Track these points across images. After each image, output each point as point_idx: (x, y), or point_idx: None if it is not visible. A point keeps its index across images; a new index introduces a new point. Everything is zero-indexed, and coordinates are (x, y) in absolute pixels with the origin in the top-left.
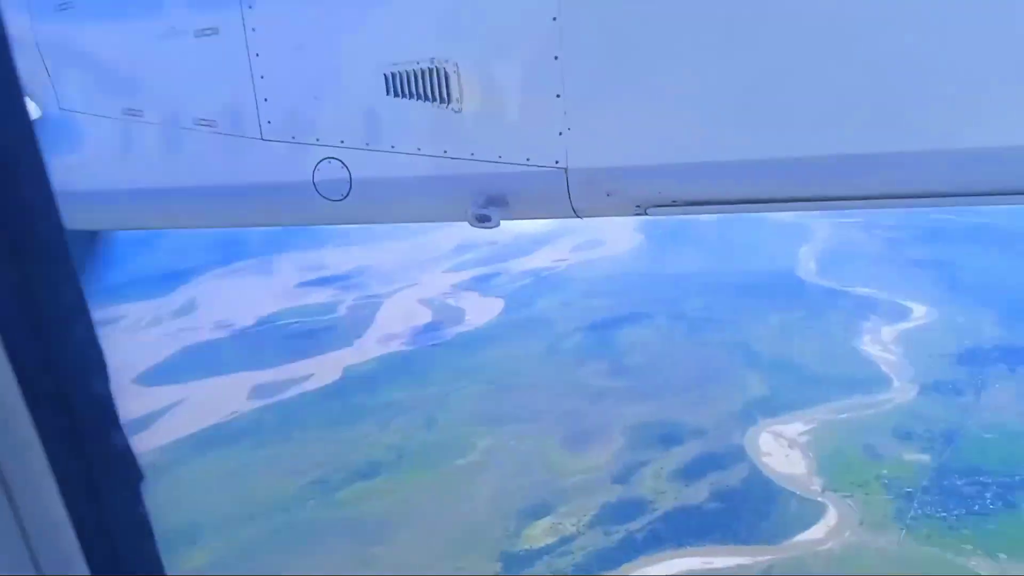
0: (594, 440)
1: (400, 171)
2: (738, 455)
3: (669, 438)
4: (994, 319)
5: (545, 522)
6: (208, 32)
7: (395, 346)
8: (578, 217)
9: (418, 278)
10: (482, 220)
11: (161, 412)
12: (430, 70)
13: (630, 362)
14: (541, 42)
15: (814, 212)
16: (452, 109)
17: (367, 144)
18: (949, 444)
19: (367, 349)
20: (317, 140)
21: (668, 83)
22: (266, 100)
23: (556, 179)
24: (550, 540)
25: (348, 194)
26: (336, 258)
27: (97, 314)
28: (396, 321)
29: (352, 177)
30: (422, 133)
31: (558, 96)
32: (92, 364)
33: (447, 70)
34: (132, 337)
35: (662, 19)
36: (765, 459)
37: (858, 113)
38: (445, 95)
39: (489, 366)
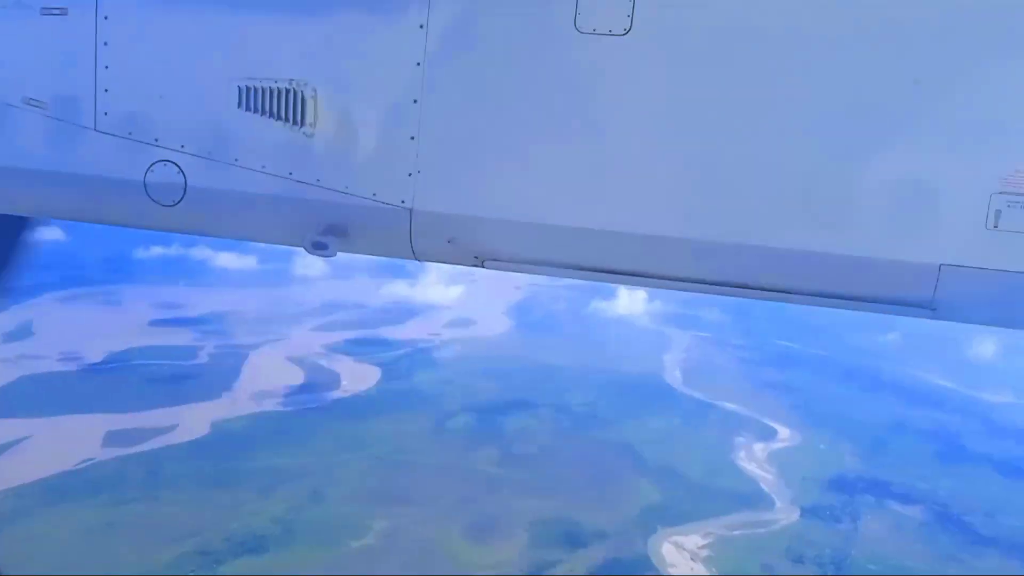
0: (496, 533)
1: (240, 185)
2: (644, 565)
3: (573, 538)
4: (852, 449)
5: None
6: (56, 11)
7: (268, 405)
8: (416, 260)
9: (284, 332)
10: (319, 248)
11: (1, 449)
12: (287, 90)
13: (521, 451)
14: (404, 84)
15: (670, 321)
16: (304, 133)
17: (209, 153)
18: (840, 571)
19: (238, 404)
20: (155, 140)
21: (522, 142)
22: (106, 91)
23: (400, 218)
24: None
25: (180, 200)
26: (191, 298)
27: None
28: (266, 377)
29: (188, 184)
30: (269, 151)
31: (412, 138)
32: None
33: (305, 94)
34: None
35: (525, 82)
36: (672, 571)
37: (707, 200)
38: (299, 118)
39: (373, 439)
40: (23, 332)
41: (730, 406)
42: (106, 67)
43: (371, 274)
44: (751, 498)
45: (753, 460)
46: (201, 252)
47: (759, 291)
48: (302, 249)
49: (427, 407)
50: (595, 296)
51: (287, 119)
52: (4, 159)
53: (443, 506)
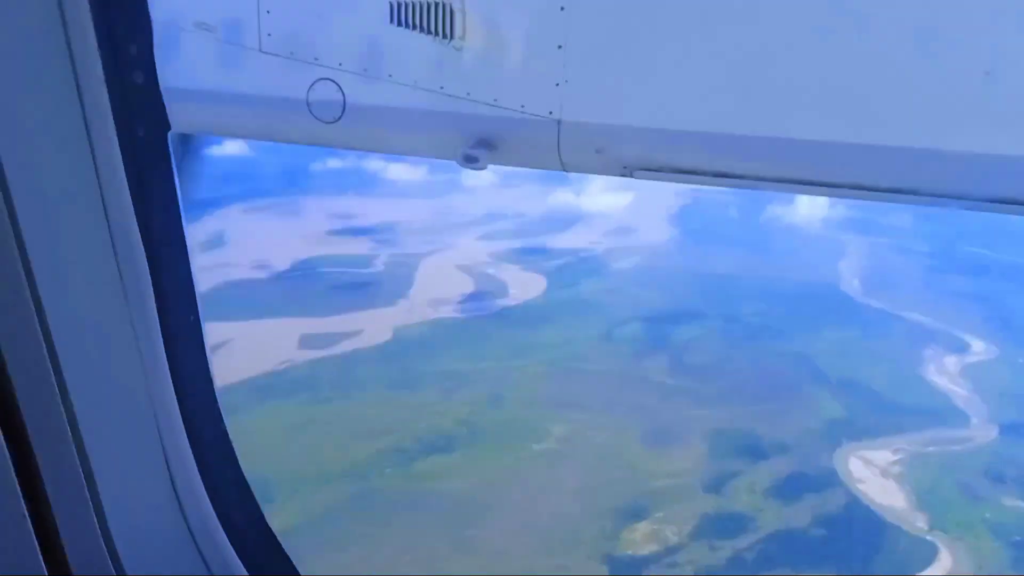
0: (674, 441)
1: (394, 101)
2: (831, 479)
3: (753, 450)
4: None
5: (644, 526)
6: None
7: (444, 312)
8: (564, 171)
9: (451, 242)
10: (470, 161)
11: (212, 349)
12: (436, 4)
13: (692, 361)
14: None
15: (848, 227)
16: (454, 46)
17: (365, 70)
18: None
19: (416, 311)
20: (315, 59)
21: (669, 49)
22: (268, 12)
23: (548, 129)
24: (654, 547)
25: (341, 117)
26: (362, 208)
27: None
28: (438, 285)
29: (346, 101)
30: (421, 66)
31: (559, 47)
32: None
33: (453, 6)
34: None
35: None
36: (860, 487)
37: (854, 103)
38: (448, 31)
39: (545, 346)
40: (218, 241)
41: (915, 317)
42: None
43: (538, 183)
44: (943, 414)
45: (944, 374)
46: (374, 164)
47: (924, 196)
48: None
49: (595, 315)
50: (769, 202)
51: (437, 33)
52: (179, 80)
53: (618, 413)
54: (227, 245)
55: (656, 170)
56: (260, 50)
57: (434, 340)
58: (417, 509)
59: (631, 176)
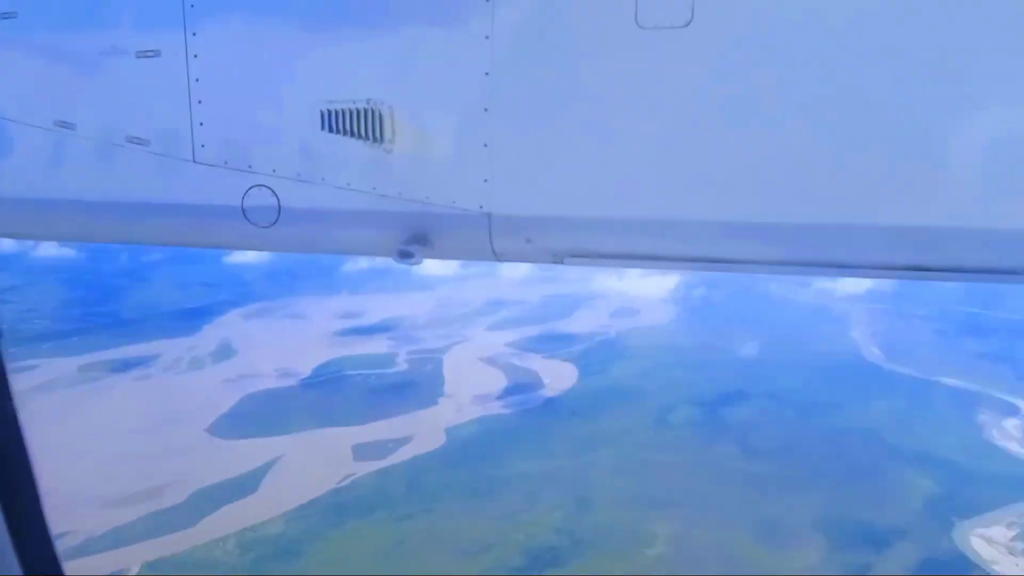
0: (786, 535)
1: (329, 203)
2: (963, 563)
3: (872, 537)
4: None
5: None
6: (150, 54)
7: (489, 409)
8: (497, 261)
9: (464, 334)
10: (405, 257)
11: (262, 471)
12: (365, 111)
13: (760, 445)
14: (472, 94)
15: (836, 296)
16: (384, 149)
17: (298, 175)
18: None
19: (461, 410)
20: (249, 167)
21: (591, 140)
22: (201, 124)
23: (479, 223)
24: None
25: (276, 221)
26: (361, 306)
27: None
28: (470, 381)
29: (281, 205)
30: (353, 169)
31: (485, 145)
32: None
33: (382, 112)
34: (179, 380)
35: (589, 80)
36: (996, 568)
37: (786, 183)
38: (378, 135)
39: (606, 437)
40: (228, 351)
41: (951, 382)
42: (199, 102)
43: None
44: None
45: (1011, 439)
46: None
47: (857, 269)
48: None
49: (640, 401)
50: (757, 277)
51: (367, 137)
52: (114, 194)
53: (713, 507)
54: (239, 354)
55: (585, 256)
56: (194, 161)
57: (491, 440)
58: None
59: (562, 263)
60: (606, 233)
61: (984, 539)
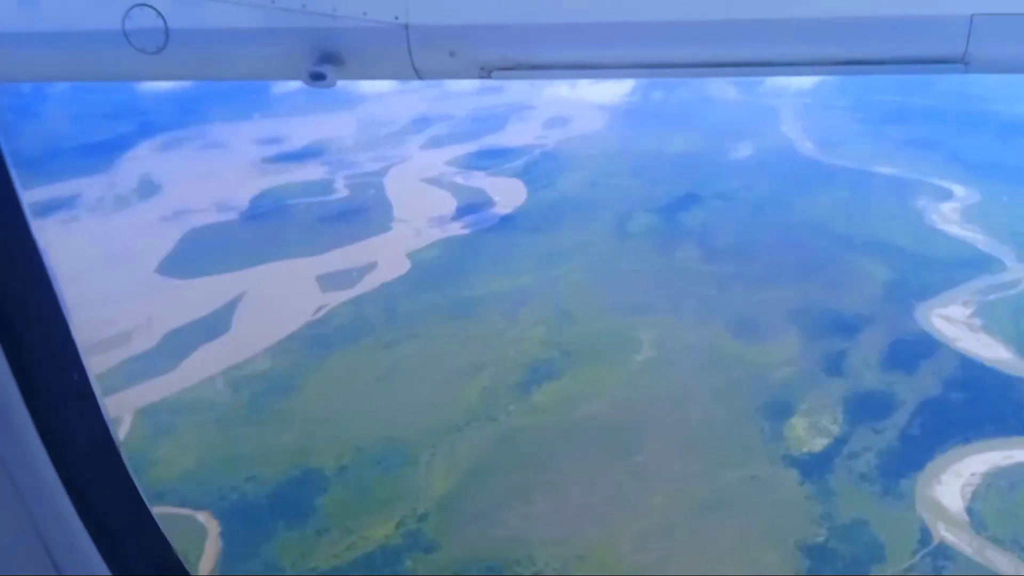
0: (762, 329)
1: (223, 21)
2: (929, 342)
3: (841, 325)
4: None
5: (799, 422)
6: None
7: (449, 230)
8: (420, 78)
9: (399, 154)
10: (316, 79)
11: (229, 309)
12: None
13: (719, 245)
14: None
15: (760, 92)
16: None
17: None
18: None
19: (421, 233)
20: None
21: None
22: None
23: (396, 36)
24: (824, 441)
25: (165, 46)
26: (279, 130)
27: (40, 192)
28: (419, 203)
29: (168, 27)
30: None
31: None
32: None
33: None
34: (110, 220)
35: None
36: (960, 345)
37: None
38: None
39: (569, 251)
40: (151, 187)
41: (885, 170)
42: None
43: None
44: (979, 261)
45: (951, 222)
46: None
47: (784, 66)
48: None
49: (595, 212)
50: (678, 80)
51: None
52: None
53: (688, 309)
54: (165, 189)
55: (515, 68)
56: None
57: (456, 261)
58: (572, 445)
59: (489, 77)
60: (537, 41)
61: (944, 318)
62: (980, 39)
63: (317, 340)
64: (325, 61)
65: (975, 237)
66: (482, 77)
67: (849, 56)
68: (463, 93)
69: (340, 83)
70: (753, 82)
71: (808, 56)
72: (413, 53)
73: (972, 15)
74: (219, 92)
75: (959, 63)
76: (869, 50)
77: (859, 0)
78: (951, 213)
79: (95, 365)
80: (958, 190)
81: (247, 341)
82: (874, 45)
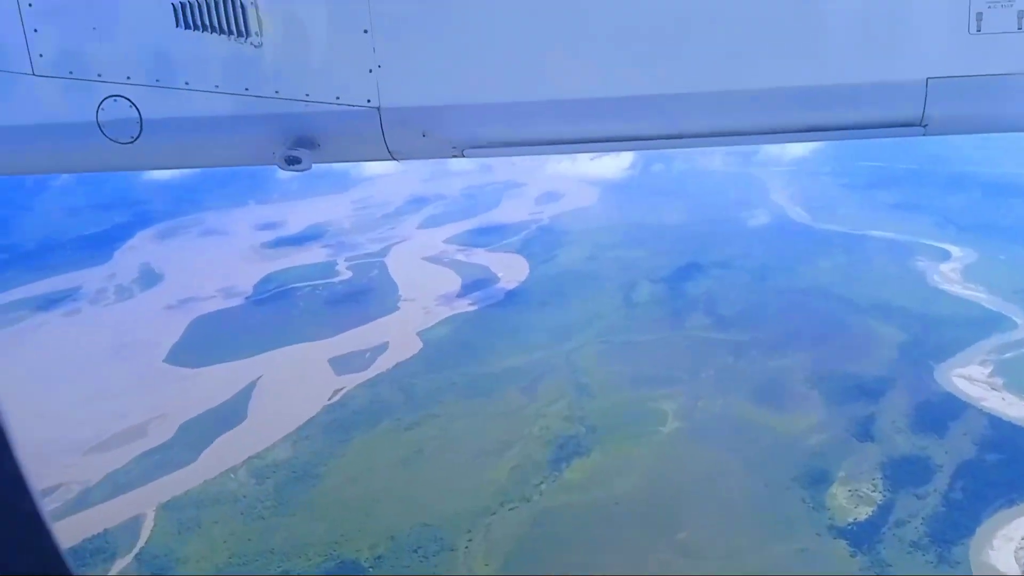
0: (785, 396)
1: (197, 110)
2: (954, 403)
3: (864, 389)
4: None
5: (839, 491)
6: None
7: (456, 308)
8: (394, 160)
9: (397, 234)
10: (291, 163)
11: (244, 396)
12: (223, 0)
13: (727, 313)
14: None
15: (743, 161)
16: (252, 44)
17: (157, 81)
18: None
19: (429, 312)
20: (99, 76)
21: (483, 20)
22: (36, 31)
23: (369, 119)
24: (868, 509)
25: (139, 136)
26: (276, 215)
27: (41, 286)
28: (423, 282)
29: (143, 117)
30: (219, 69)
31: (366, 31)
32: None
33: (243, 2)
34: (114, 311)
35: None
36: (985, 404)
37: (676, 53)
38: (243, 27)
39: (580, 324)
40: (153, 276)
41: (879, 234)
42: (30, 5)
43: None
44: (987, 320)
45: (953, 282)
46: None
47: (747, 136)
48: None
49: (599, 285)
50: (662, 152)
51: (229, 31)
52: None
53: (707, 378)
54: (166, 278)
55: (487, 147)
56: (33, 73)
57: (467, 338)
58: (612, 523)
59: (462, 156)
60: (507, 119)
61: (965, 378)
62: (937, 101)
63: (336, 425)
64: (300, 145)
65: (979, 296)
66: (455, 156)
67: (810, 124)
68: (455, 172)
69: (332, 167)
70: (747, 153)
71: (771, 124)
72: (386, 135)
73: (927, 78)
74: (213, 179)
75: (918, 126)
76: (829, 117)
77: (817, 69)
78: (951, 273)
79: (110, 460)
80: (954, 250)
81: (265, 429)
82: (834, 112)
